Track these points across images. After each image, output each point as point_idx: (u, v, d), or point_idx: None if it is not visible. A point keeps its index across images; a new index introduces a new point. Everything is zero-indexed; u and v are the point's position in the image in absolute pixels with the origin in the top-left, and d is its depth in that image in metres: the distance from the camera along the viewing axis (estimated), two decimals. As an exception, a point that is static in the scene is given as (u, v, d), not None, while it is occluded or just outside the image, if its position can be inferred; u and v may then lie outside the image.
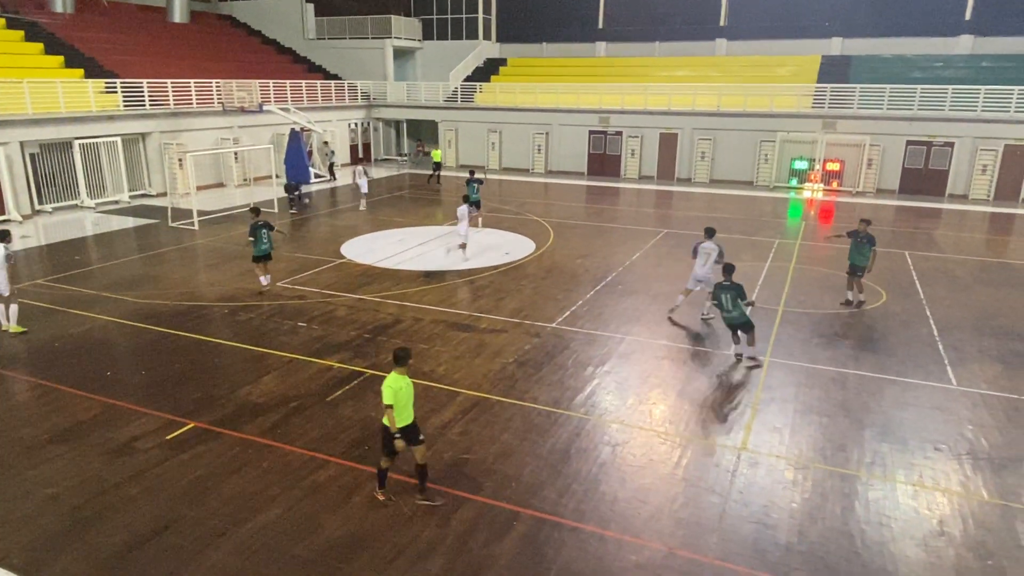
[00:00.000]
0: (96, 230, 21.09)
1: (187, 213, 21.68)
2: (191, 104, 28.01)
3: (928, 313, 13.93)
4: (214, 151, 27.37)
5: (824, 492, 7.82)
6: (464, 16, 40.96)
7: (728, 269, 11.55)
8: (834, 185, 29.79)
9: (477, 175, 22.17)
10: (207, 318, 13.30)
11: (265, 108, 29.19)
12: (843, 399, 10.13)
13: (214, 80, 29.17)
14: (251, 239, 14.37)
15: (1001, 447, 8.84)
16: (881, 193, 28.99)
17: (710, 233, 13.37)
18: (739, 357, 11.48)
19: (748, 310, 11.30)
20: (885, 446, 8.83)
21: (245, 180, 28.90)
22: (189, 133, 27.73)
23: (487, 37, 41.36)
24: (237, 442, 8.77)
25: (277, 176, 26.74)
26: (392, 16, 39.65)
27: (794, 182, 30.51)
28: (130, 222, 22.13)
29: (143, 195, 26.46)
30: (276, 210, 23.69)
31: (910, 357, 11.68)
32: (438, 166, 31.57)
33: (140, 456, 8.43)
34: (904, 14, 32.82)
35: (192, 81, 28.26)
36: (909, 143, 28.88)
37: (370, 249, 18.79)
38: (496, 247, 19.14)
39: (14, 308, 12.30)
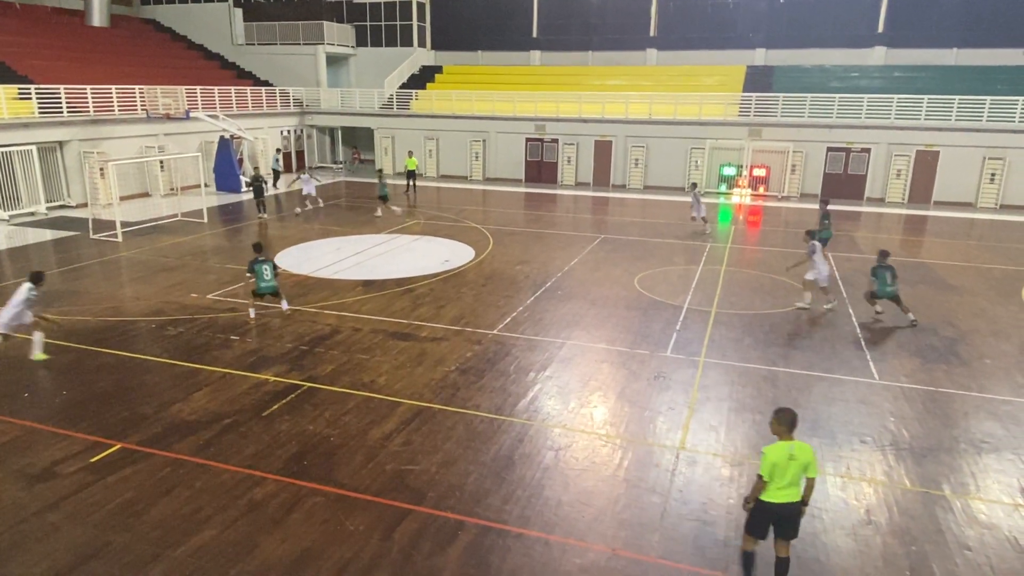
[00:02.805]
0: (10, 244, 19.94)
1: (110, 224, 20.76)
2: (113, 111, 26.87)
3: (851, 311, 14.59)
4: (138, 160, 26.31)
5: (759, 487, 8.06)
6: (398, 23, 40.72)
7: (884, 254, 13.91)
8: (761, 190, 30.91)
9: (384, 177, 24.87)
10: (133, 334, 12.75)
11: (192, 115, 28.26)
12: (775, 396, 10.49)
13: (137, 86, 28.07)
14: (248, 275, 13.64)
15: (921, 437, 9.33)
16: (805, 197, 30.24)
17: (814, 235, 14.58)
18: (913, 323, 13.54)
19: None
20: (815, 440, 9.17)
21: (172, 190, 27.89)
22: (111, 141, 26.58)
23: (422, 44, 41.23)
24: (168, 462, 8.42)
25: (206, 185, 25.91)
26: (324, 22, 39.08)
27: (723, 188, 31.52)
28: (48, 235, 21.04)
29: (62, 206, 25.20)
30: (206, 220, 22.95)
31: (835, 354, 12.20)
32: (413, 175, 30.30)
33: (62, 481, 8.00)
34: (822, 26, 34.43)
35: (113, 87, 27.12)
36: (829, 149, 30.28)
37: (306, 259, 18.40)
38: (435, 255, 19.05)
39: (38, 336, 11.47)
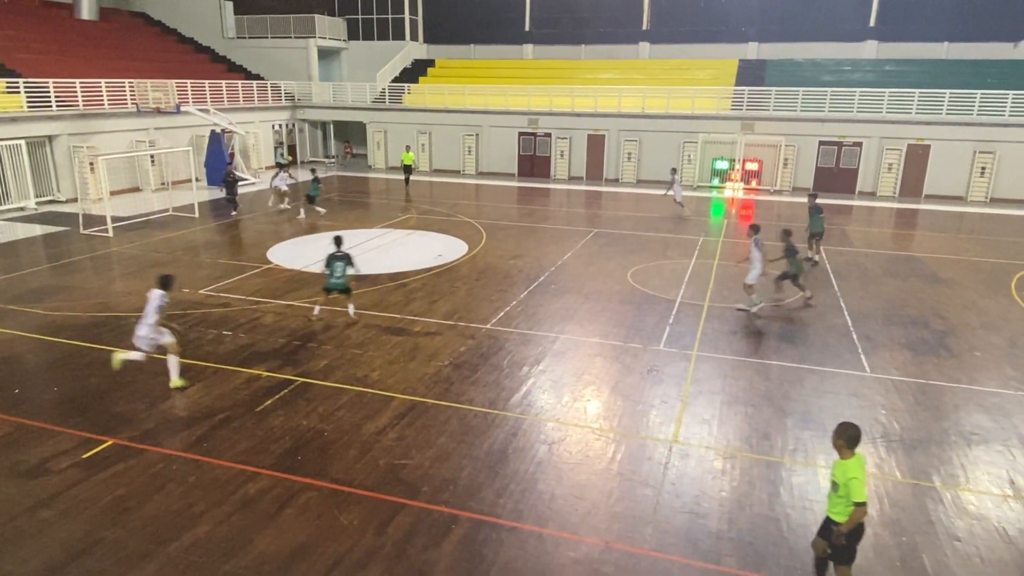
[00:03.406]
0: (0, 239, 19.82)
1: (100, 219, 20.63)
2: (102, 105, 26.66)
3: (842, 305, 14.66)
4: (128, 154, 26.14)
5: (751, 480, 8.12)
6: (390, 16, 40.53)
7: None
8: (753, 184, 30.98)
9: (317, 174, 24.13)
10: (124, 329, 12.68)
11: (183, 109, 28.08)
12: (766, 389, 10.54)
13: (127, 80, 27.85)
14: (326, 270, 12.93)
15: (911, 429, 9.40)
16: (797, 191, 30.33)
17: (759, 229, 13.98)
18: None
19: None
20: (807, 433, 9.24)
21: (163, 184, 27.74)
22: (101, 136, 26.38)
23: (414, 38, 41.06)
24: (160, 458, 8.40)
25: (197, 180, 25.77)
26: (316, 15, 38.84)
27: (716, 182, 31.57)
28: (38, 230, 20.89)
29: (52, 201, 25.02)
30: (197, 214, 22.83)
31: (827, 347, 12.27)
32: (409, 169, 30.23)
33: (54, 477, 7.97)
34: (814, 20, 34.48)
35: (103, 81, 26.89)
36: (821, 143, 30.36)
37: (298, 254, 18.34)
38: (428, 249, 19.02)
39: (174, 361, 10.35)
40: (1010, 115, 27.89)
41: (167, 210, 23.47)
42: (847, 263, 18.20)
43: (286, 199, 24.74)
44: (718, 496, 7.79)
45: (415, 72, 39.27)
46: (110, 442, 8.74)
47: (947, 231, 22.84)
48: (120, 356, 10.03)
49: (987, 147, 28.22)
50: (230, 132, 30.33)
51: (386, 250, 18.98)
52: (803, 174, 30.74)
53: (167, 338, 10.09)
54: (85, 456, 8.42)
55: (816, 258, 17.93)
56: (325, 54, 40.68)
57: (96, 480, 7.92)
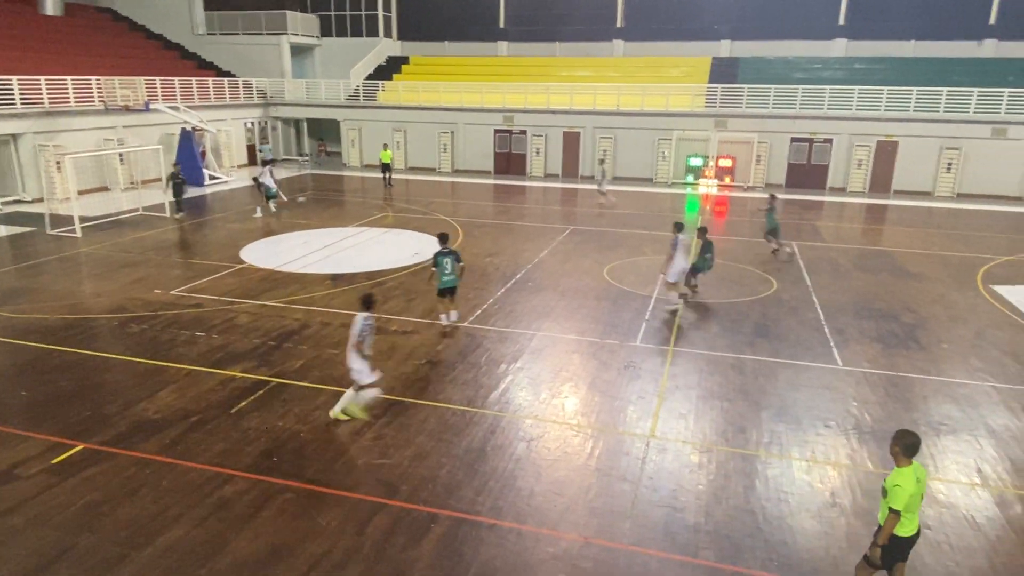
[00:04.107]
0: (-38, 240, 19.32)
1: (68, 220, 20.20)
2: (69, 103, 26.09)
3: (815, 299, 14.89)
4: (96, 153, 25.62)
5: (727, 473, 8.22)
6: (364, 13, 40.21)
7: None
8: (727, 181, 31.29)
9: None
10: (95, 331, 12.46)
11: (152, 107, 27.61)
12: (742, 383, 10.67)
13: (94, 77, 27.29)
14: (434, 269, 12.42)
15: (882, 420, 9.57)
16: (769, 187, 30.67)
17: (681, 227, 13.77)
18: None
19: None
20: (781, 426, 9.37)
21: (133, 183, 27.24)
22: (68, 134, 25.81)
23: (388, 35, 40.79)
24: (133, 462, 8.26)
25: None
26: (288, 12, 38.39)
27: (690, 178, 31.83)
28: (2, 230, 20.40)
29: (17, 201, 24.44)
30: (168, 214, 22.45)
31: (800, 341, 12.45)
32: (387, 167, 30.15)
33: (23, 483, 7.79)
34: (785, 18, 34.90)
35: (69, 78, 26.32)
36: (793, 140, 30.77)
37: (272, 253, 18.14)
38: (405, 247, 18.93)
39: (370, 393, 9.28)
40: (975, 112, 28.52)
41: (137, 209, 23.06)
42: (819, 258, 18.47)
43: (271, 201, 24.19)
44: (695, 490, 7.87)
45: (389, 69, 39.02)
46: (80, 446, 8.57)
47: (915, 226, 23.30)
48: (356, 409, 9.20)
49: (953, 143, 28.82)
50: (201, 130, 29.88)
51: (362, 249, 18.86)
52: (776, 170, 31.14)
53: (359, 372, 9.07)
54: (55, 461, 8.25)
55: (788, 250, 18.42)
56: (298, 51, 40.24)
57: (67, 485, 7.76)
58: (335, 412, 9.27)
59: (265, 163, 25.42)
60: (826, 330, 13.03)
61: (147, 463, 8.24)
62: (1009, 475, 8.28)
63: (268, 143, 32.71)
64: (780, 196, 27.84)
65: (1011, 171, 28.52)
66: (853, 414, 9.76)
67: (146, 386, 10.25)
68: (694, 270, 14.77)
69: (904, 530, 5.57)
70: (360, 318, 8.95)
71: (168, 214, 22.37)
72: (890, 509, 5.49)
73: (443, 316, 12.82)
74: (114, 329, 12.59)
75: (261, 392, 10.09)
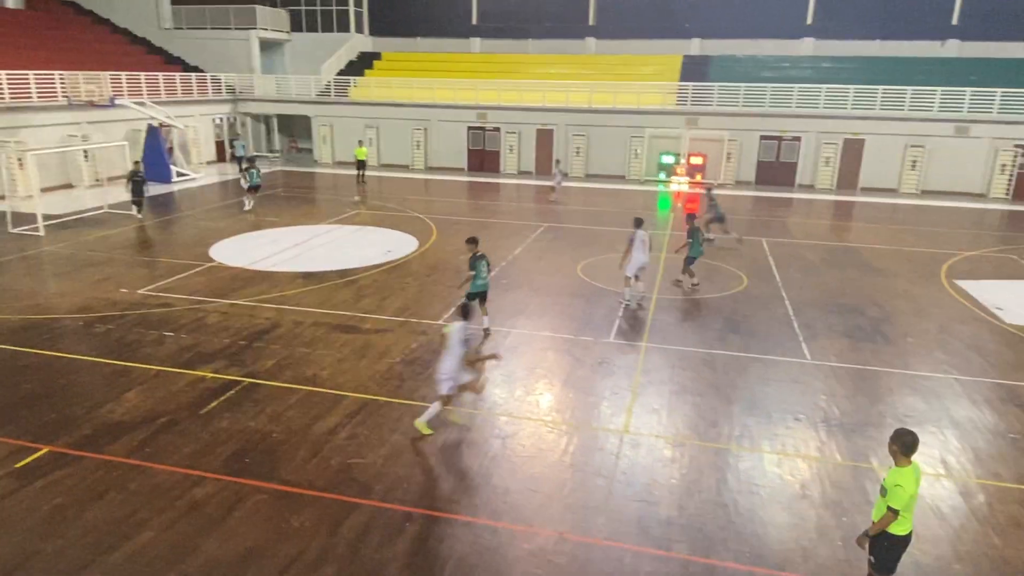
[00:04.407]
0: (-82, 239, 18.73)
1: (30, 218, 19.69)
2: (31, 98, 25.43)
3: (784, 295, 15.11)
4: (60, 149, 25.01)
5: (700, 467, 8.31)
6: (334, 8, 39.81)
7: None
8: (698, 178, 31.60)
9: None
10: (59, 332, 12.18)
11: (117, 102, 27.03)
12: (713, 378, 10.80)
13: (57, 72, 26.63)
14: (472, 272, 12.15)
15: (850, 413, 9.76)
16: (740, 184, 31.08)
17: (640, 223, 14.05)
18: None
19: None
20: (752, 420, 9.50)
21: (98, 180, 26.63)
22: (30, 130, 25.14)
23: (359, 30, 40.44)
24: (99, 465, 8.10)
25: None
26: (257, 6, 37.86)
27: (662, 176, 32.09)
28: (-40, 229, 19.82)
29: (-25, 199, 23.76)
30: (135, 211, 21.99)
31: (770, 336, 12.63)
32: (362, 164, 30.03)
33: (-16, 489, 7.60)
34: (755, 17, 35.33)
35: (31, 73, 25.65)
36: (762, 138, 31.18)
37: (242, 251, 17.89)
38: (378, 245, 18.80)
39: (434, 407, 8.92)
40: (938, 110, 29.16)
41: (102, 207, 22.56)
42: (788, 254, 18.75)
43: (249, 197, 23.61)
44: (668, 484, 7.95)
45: (361, 65, 38.68)
46: (45, 450, 8.37)
47: (881, 222, 23.77)
48: (420, 423, 8.85)
49: (917, 141, 29.45)
50: (168, 126, 29.33)
51: (334, 246, 18.69)
52: (746, 168, 31.52)
53: (468, 377, 8.89)
54: (18, 465, 8.05)
55: (712, 238, 19.17)
56: (267, 46, 39.70)
57: (31, 490, 7.58)
58: (422, 425, 8.84)
59: (242, 161, 24.95)
60: (795, 325, 13.24)
61: (115, 466, 8.08)
62: (972, 465, 8.50)
63: (241, 139, 32.19)
64: (749, 194, 28.26)
65: (973, 168, 29.23)
66: (822, 407, 9.94)
67: (113, 387, 10.05)
68: (689, 261, 15.13)
69: (900, 528, 5.61)
70: (458, 328, 8.62)
71: (134, 211, 21.90)
72: (889, 508, 5.52)
73: (487, 319, 12.51)
74: (79, 329, 12.31)
75: (232, 392, 9.96)
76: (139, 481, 7.78)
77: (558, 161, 29.60)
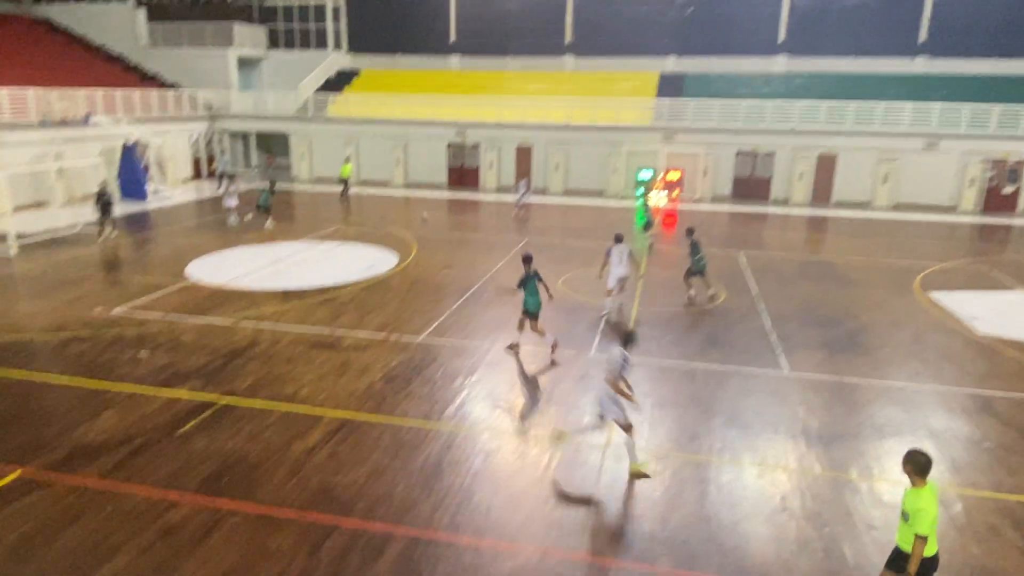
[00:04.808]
0: None
1: (2, 236, 19.34)
2: (3, 115, 25.06)
3: (761, 308, 15.26)
4: (33, 167, 24.64)
5: (682, 480, 8.33)
6: (312, 25, 39.85)
7: (690, 231, 14.64)
8: (675, 193, 31.92)
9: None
10: (31, 352, 11.93)
11: (92, 120, 26.75)
12: (693, 391, 10.85)
13: (30, 89, 26.30)
14: (522, 290, 12.05)
15: (828, 424, 9.85)
16: (716, 199, 31.45)
17: (619, 239, 14.46)
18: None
19: None
20: (732, 432, 9.55)
21: (72, 198, 26.26)
22: (1, 148, 24.76)
23: (338, 47, 40.47)
24: (72, 488, 7.91)
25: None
26: (235, 23, 37.77)
27: (640, 191, 32.34)
28: (-71, 249, 19.41)
29: (-55, 218, 23.29)
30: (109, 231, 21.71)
31: (748, 348, 12.73)
32: (346, 182, 30.15)
33: (-48, 515, 7.39)
34: (728, 35, 35.93)
35: (4, 90, 25.31)
36: (738, 153, 31.62)
37: (219, 268, 17.71)
38: (358, 261, 18.72)
39: (628, 442, 8.40)
40: (909, 125, 29.80)
41: (76, 225, 22.24)
42: (764, 268, 18.97)
43: (236, 215, 23.30)
44: (651, 497, 7.94)
45: (340, 82, 38.68)
46: (16, 473, 8.17)
47: (855, 235, 24.15)
48: (635, 465, 8.37)
49: (889, 156, 30.04)
50: (144, 143, 29.06)
51: (314, 263, 18.57)
52: (722, 183, 31.92)
53: (618, 411, 8.23)
54: (-13, 490, 7.85)
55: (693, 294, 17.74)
56: (245, 63, 39.58)
57: (2, 515, 7.38)
58: (637, 466, 8.35)
59: (223, 177, 24.63)
60: (773, 337, 13.36)
61: (88, 489, 7.90)
62: (950, 474, 8.60)
63: (226, 155, 31.95)
64: (725, 209, 28.60)
65: (943, 182, 29.87)
66: (801, 419, 10.02)
67: (87, 409, 9.85)
68: (689, 273, 15.41)
69: (928, 550, 5.42)
70: (617, 354, 8.17)
71: (109, 231, 21.55)
72: (916, 536, 5.31)
73: (520, 333, 12.35)
74: (52, 350, 12.08)
75: (208, 412, 9.81)
76: (114, 504, 7.61)
77: (524, 180, 28.99)
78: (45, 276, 16.73)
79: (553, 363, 11.95)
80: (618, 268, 14.20)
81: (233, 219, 23.32)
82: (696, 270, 15.35)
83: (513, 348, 12.35)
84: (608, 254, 14.22)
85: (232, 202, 23.81)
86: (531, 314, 12.11)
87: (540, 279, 12.11)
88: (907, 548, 5.47)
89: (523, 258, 12.34)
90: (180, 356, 11.82)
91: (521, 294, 12.16)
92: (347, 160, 31.16)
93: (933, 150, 29.67)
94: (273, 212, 23.33)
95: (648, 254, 18.66)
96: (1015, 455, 8.94)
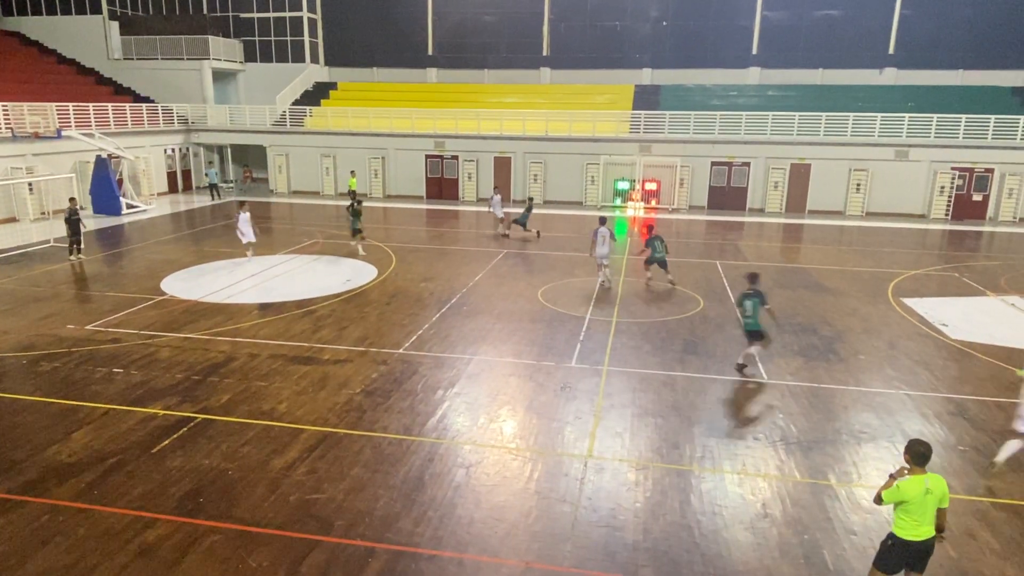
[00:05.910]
0: None
1: (-30, 253, 18.95)
2: (-30, 129, 24.65)
3: (739, 316, 15.37)
4: (3, 182, 24.21)
5: (664, 489, 8.35)
6: (289, 38, 39.75)
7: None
8: (653, 203, 32.20)
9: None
10: (1, 371, 11.67)
11: (64, 134, 26.37)
12: (674, 400, 10.91)
13: (1, 103, 25.88)
14: (744, 311, 11.81)
15: (807, 431, 9.95)
16: (693, 209, 31.76)
17: (603, 220, 17.61)
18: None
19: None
20: (712, 440, 9.61)
21: (43, 214, 25.84)
22: (-31, 162, 24.35)
23: (315, 60, 40.40)
24: (45, 509, 7.73)
25: (81, 208, 24.14)
26: (210, 36, 37.54)
27: (618, 201, 32.62)
28: None
29: (-89, 234, 22.79)
30: (83, 245, 21.35)
31: (727, 357, 12.83)
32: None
33: (-82, 540, 7.18)
34: (702, 48, 36.51)
35: (-29, 104, 24.91)
36: (713, 164, 32.01)
37: (195, 284, 17.49)
38: (336, 274, 18.60)
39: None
40: (879, 136, 30.41)
41: (48, 241, 21.87)
42: (740, 276, 19.10)
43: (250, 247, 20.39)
44: (633, 507, 7.95)
45: (317, 95, 38.57)
46: (-15, 496, 7.97)
47: (829, 243, 24.51)
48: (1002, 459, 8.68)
49: (861, 165, 30.61)
50: (117, 157, 28.71)
51: (292, 276, 18.42)
52: (698, 193, 32.27)
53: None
54: (-45, 514, 7.64)
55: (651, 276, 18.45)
56: (221, 76, 39.34)
57: (-31, 539, 7.19)
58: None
59: (213, 187, 23.92)
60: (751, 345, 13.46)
61: (61, 510, 7.73)
62: (924, 478, 8.71)
63: (214, 167, 31.57)
64: (702, 218, 28.86)
65: (913, 191, 30.49)
66: (779, 426, 10.11)
67: (59, 428, 9.65)
68: (649, 261, 17.73)
69: (902, 531, 5.89)
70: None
71: (82, 245, 21.08)
72: (879, 501, 5.92)
73: (753, 347, 11.99)
74: (23, 368, 11.83)
75: (185, 430, 9.66)
76: (87, 526, 7.45)
77: (496, 188, 27.49)
78: (15, 293, 16.40)
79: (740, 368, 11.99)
80: (602, 248, 16.95)
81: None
82: (653, 259, 17.52)
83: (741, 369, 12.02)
84: (594, 235, 17.07)
85: (248, 229, 19.91)
86: (751, 334, 11.81)
87: (764, 300, 11.74)
88: (899, 531, 5.95)
89: (748, 276, 12.11)
90: (155, 373, 11.64)
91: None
92: (352, 174, 31.26)
93: (903, 159, 30.28)
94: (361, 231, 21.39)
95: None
96: (988, 458, 9.09)
